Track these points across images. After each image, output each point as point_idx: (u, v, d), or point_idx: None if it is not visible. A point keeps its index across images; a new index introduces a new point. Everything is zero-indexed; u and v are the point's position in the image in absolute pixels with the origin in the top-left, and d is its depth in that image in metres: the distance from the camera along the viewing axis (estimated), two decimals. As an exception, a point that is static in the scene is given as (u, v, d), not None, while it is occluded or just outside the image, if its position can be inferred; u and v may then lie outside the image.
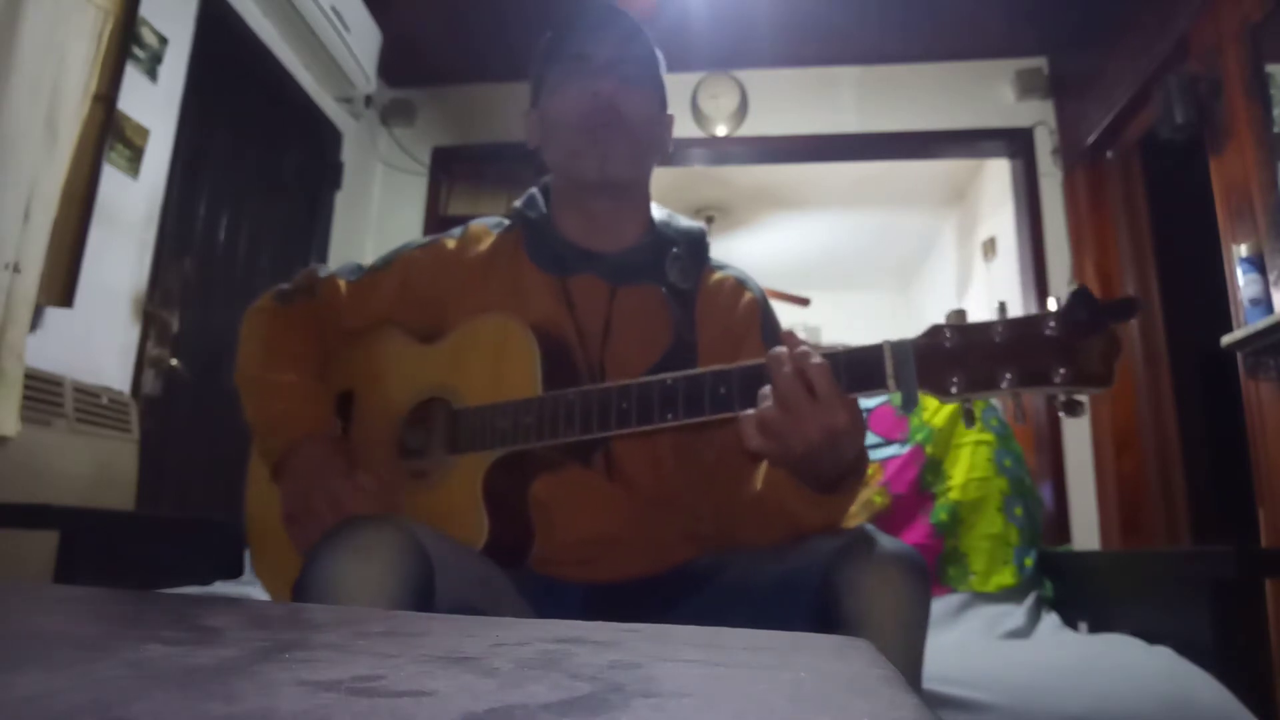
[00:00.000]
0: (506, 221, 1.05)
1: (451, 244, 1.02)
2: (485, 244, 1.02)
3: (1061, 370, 0.62)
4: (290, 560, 0.76)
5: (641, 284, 0.97)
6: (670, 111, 1.03)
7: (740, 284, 1.01)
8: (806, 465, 0.73)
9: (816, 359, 0.69)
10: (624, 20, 0.97)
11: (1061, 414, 0.64)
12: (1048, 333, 0.63)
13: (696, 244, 1.01)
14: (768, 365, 0.71)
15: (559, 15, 0.98)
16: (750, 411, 0.71)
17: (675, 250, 0.99)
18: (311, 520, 0.87)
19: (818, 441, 0.68)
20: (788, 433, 0.68)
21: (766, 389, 0.70)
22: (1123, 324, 0.63)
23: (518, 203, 1.03)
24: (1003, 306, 0.66)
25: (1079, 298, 0.62)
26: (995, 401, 1.70)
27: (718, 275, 1.01)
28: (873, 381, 0.68)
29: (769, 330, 0.98)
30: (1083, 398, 0.64)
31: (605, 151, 0.93)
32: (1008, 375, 0.63)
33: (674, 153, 3.48)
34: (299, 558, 0.70)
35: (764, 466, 0.82)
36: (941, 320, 0.68)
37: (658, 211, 1.04)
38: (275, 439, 0.94)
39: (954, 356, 0.66)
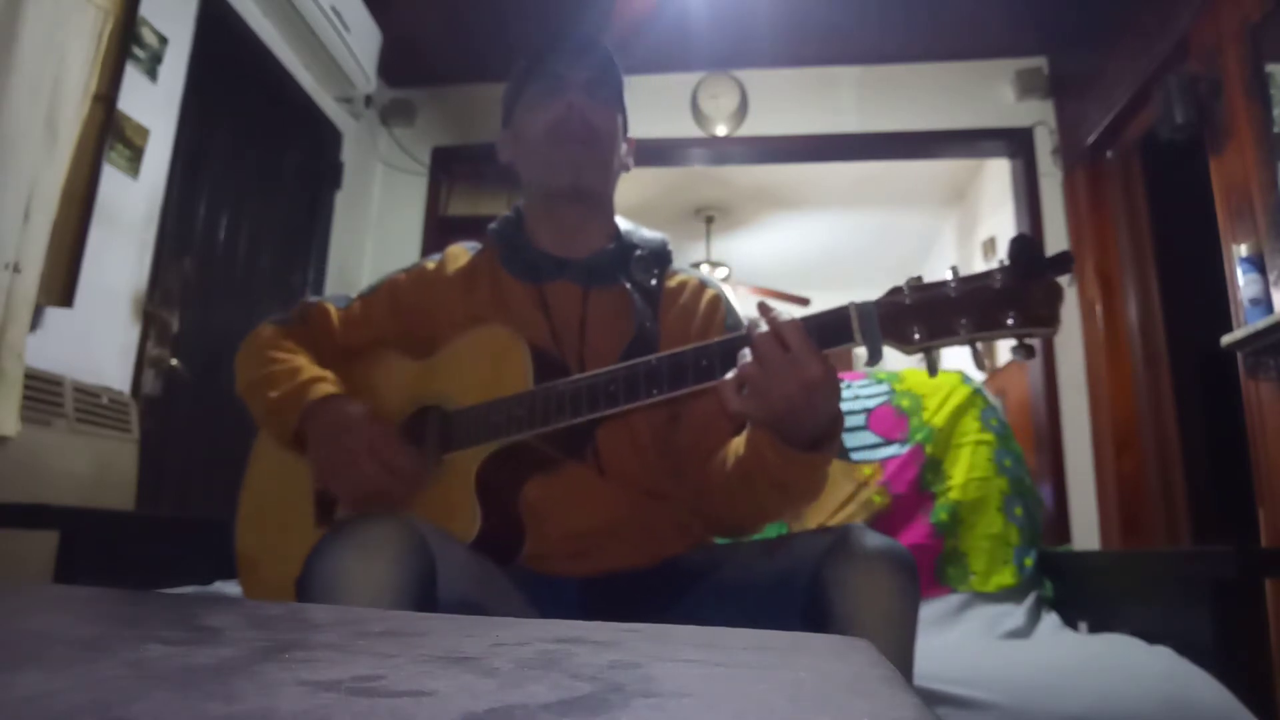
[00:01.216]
0: (480, 245, 1.12)
1: (431, 265, 1.10)
2: (463, 261, 1.09)
3: (1012, 315, 0.68)
4: (283, 585, 0.77)
5: (610, 284, 1.03)
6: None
7: (702, 284, 1.09)
8: (788, 421, 0.76)
9: (787, 317, 0.73)
10: (596, 48, 1.06)
11: (1018, 358, 0.71)
12: (997, 285, 0.69)
13: (658, 250, 1.09)
14: (746, 329, 0.75)
15: (566, 21, 1.03)
16: (730, 374, 0.74)
17: (639, 253, 1.06)
18: (352, 469, 0.87)
19: (795, 394, 0.72)
20: (766, 388, 0.72)
21: (745, 351, 0.74)
22: (1064, 274, 0.68)
23: (493, 225, 1.10)
24: (955, 269, 0.72)
25: (1020, 245, 0.69)
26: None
27: (680, 277, 1.09)
28: (841, 337, 0.74)
29: (732, 319, 1.05)
30: (1034, 341, 0.70)
31: (578, 163, 1.01)
32: (964, 322, 0.69)
33: (674, 152, 3.46)
34: (293, 578, 0.70)
35: (742, 437, 0.86)
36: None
37: (623, 223, 1.11)
38: (294, 406, 0.94)
39: (914, 310, 0.72)
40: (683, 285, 1.07)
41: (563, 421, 0.84)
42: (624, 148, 1.09)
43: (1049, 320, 0.68)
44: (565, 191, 1.02)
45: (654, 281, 1.05)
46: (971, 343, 0.71)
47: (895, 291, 0.73)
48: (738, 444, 0.87)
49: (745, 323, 0.77)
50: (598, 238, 1.07)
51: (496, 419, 0.88)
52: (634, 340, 0.97)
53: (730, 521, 0.94)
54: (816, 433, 0.78)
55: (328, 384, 0.95)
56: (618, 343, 0.97)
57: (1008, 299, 0.68)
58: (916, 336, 0.71)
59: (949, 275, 0.72)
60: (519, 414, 0.86)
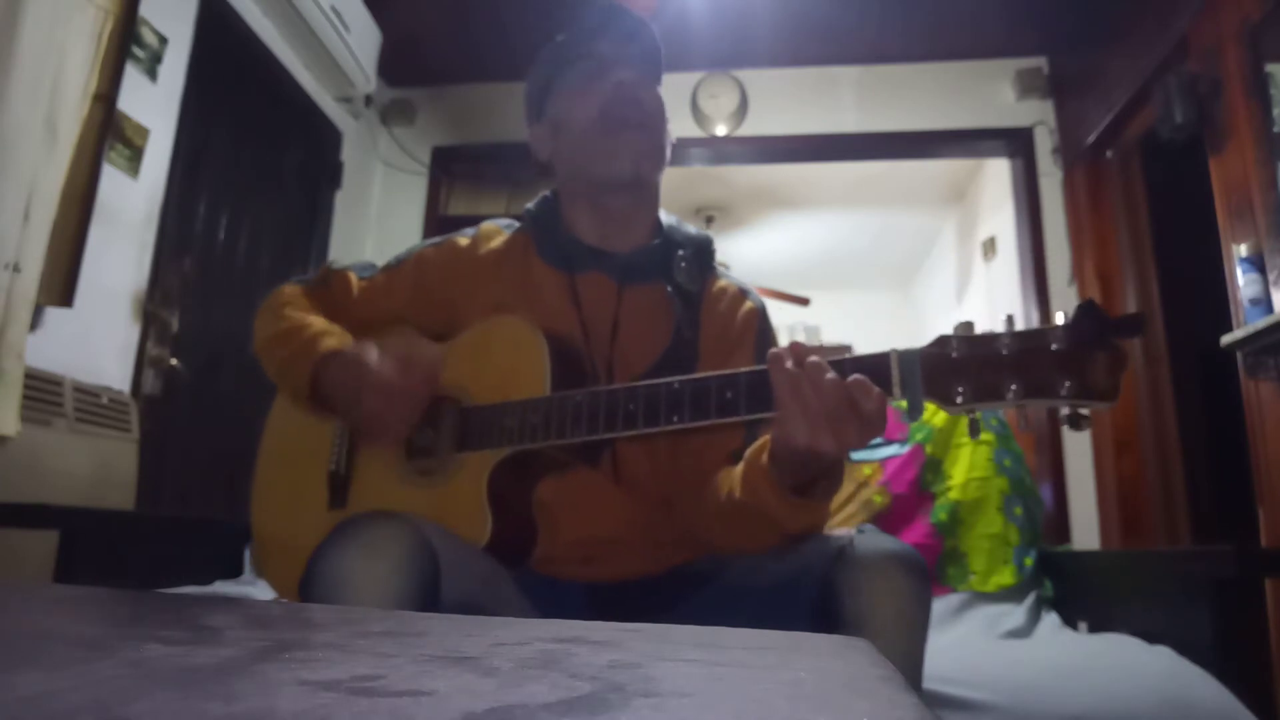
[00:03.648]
0: (517, 223, 1.06)
1: (464, 242, 1.04)
2: (496, 242, 1.03)
3: (1067, 383, 0.62)
4: (296, 563, 0.77)
5: (648, 283, 0.98)
6: (667, 114, 1.05)
7: (742, 293, 1.03)
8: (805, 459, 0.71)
9: (830, 375, 0.67)
10: (634, 20, 0.99)
11: (1066, 427, 0.65)
12: (1054, 346, 0.63)
13: (703, 250, 1.03)
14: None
15: (566, 20, 1.00)
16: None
17: (682, 253, 1.00)
18: (386, 416, 0.86)
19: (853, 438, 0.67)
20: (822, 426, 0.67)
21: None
22: (1133, 338, 0.63)
23: (530, 205, 1.05)
24: (1010, 319, 0.67)
25: (1086, 311, 0.63)
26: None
27: (722, 283, 1.03)
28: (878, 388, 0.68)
29: (763, 339, 1.00)
30: (1087, 411, 0.64)
31: (637, 150, 0.94)
32: (1013, 387, 0.64)
33: (674, 152, 3.49)
34: (308, 551, 0.70)
35: (738, 471, 0.82)
36: (946, 328, 0.69)
37: (666, 216, 1.05)
38: (303, 363, 0.91)
39: (960, 367, 0.66)
40: (723, 292, 1.01)
41: (577, 436, 0.82)
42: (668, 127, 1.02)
43: (1109, 393, 0.62)
44: (625, 181, 0.95)
45: (697, 286, 0.99)
46: (1020, 408, 0.66)
47: (942, 342, 0.67)
48: (733, 479, 0.83)
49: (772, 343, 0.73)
50: (640, 230, 1.01)
51: (511, 424, 0.86)
52: (670, 349, 0.94)
53: (721, 547, 0.91)
54: (817, 472, 0.74)
55: (333, 337, 0.93)
56: (652, 348, 0.94)
57: (1065, 364, 0.62)
58: (960, 398, 0.66)
59: (1002, 327, 0.66)
60: (534, 421, 0.84)
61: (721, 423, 0.75)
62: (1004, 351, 0.65)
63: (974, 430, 0.70)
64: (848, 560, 0.71)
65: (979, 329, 0.67)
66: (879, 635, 0.65)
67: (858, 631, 0.67)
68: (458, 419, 0.92)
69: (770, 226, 4.95)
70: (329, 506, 0.97)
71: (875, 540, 0.74)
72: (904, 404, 0.68)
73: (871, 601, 0.69)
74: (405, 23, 2.86)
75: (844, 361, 0.70)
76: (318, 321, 0.96)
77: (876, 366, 0.69)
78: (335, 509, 0.96)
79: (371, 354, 0.88)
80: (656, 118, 0.97)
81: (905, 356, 0.68)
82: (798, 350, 0.70)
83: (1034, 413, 0.67)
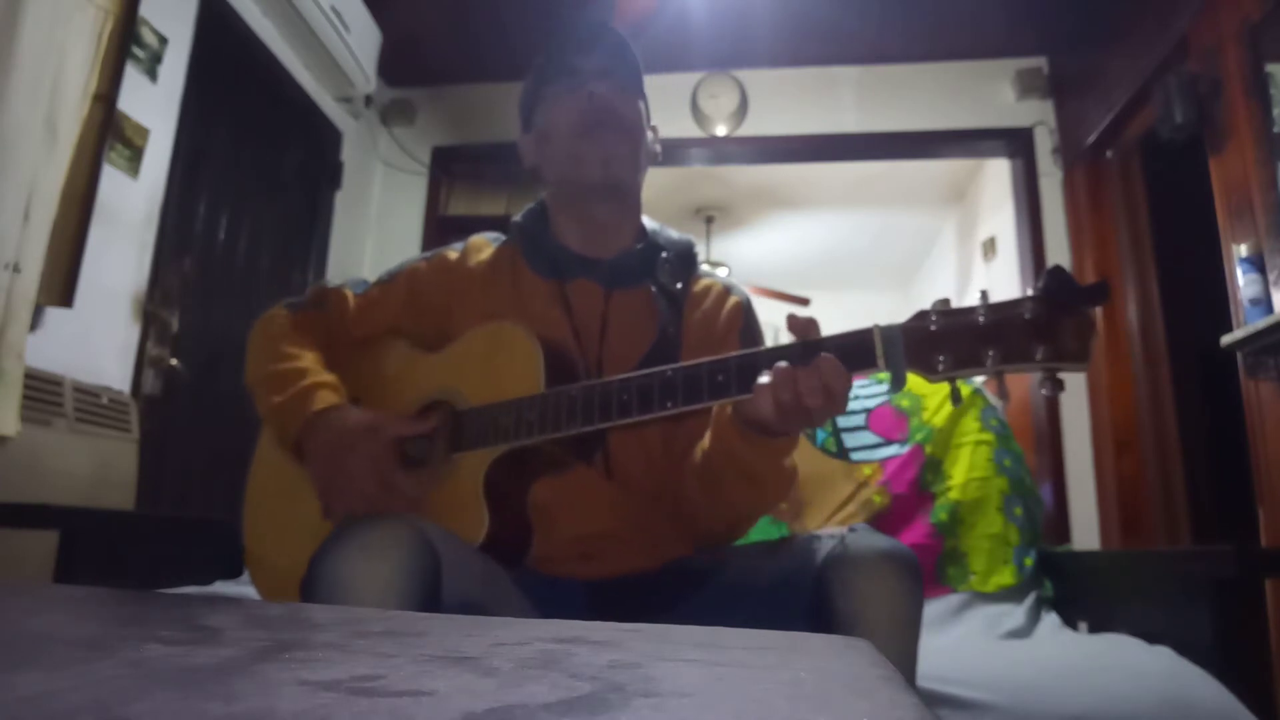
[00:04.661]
0: (504, 237, 1.10)
1: (453, 255, 1.07)
2: (486, 254, 1.06)
3: (1041, 348, 0.66)
4: (290, 580, 0.76)
5: (634, 285, 1.02)
6: (656, 121, 1.09)
7: (727, 289, 1.06)
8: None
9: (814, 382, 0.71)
10: (613, 35, 1.03)
11: (1044, 391, 0.69)
12: (1027, 315, 0.67)
13: (685, 253, 1.07)
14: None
15: (565, 21, 1.03)
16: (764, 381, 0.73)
17: (665, 255, 1.04)
18: (351, 488, 0.86)
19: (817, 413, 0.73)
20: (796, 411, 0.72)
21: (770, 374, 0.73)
22: (1098, 306, 0.67)
23: (517, 217, 1.08)
24: (984, 294, 0.70)
25: (1055, 278, 0.67)
26: (994, 401, 1.71)
27: (706, 281, 1.07)
28: (863, 362, 0.72)
29: (749, 330, 1.03)
30: (1063, 375, 0.68)
31: (607, 152, 0.98)
32: (991, 353, 0.68)
33: (674, 152, 3.49)
34: (299, 569, 0.70)
35: (707, 435, 0.86)
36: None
37: (649, 222, 1.09)
38: (295, 416, 0.92)
39: (940, 338, 0.70)
40: (707, 290, 1.05)
41: (573, 429, 0.83)
42: (649, 135, 1.06)
43: (1080, 355, 0.66)
44: (598, 186, 0.99)
45: (679, 285, 1.03)
46: (998, 374, 0.69)
47: (921, 316, 0.71)
48: (703, 440, 0.87)
49: (764, 333, 0.76)
50: (625, 237, 1.05)
51: (506, 421, 0.87)
52: (655, 345, 0.96)
53: (705, 523, 0.93)
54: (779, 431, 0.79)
55: (330, 392, 0.93)
56: (638, 346, 0.96)
57: (1038, 330, 0.66)
58: (941, 365, 0.69)
59: (977, 300, 0.70)
60: (529, 418, 0.85)
61: (713, 405, 0.78)
62: (980, 321, 0.69)
63: (955, 398, 0.74)
64: (840, 559, 0.72)
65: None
66: (872, 633, 0.66)
67: (851, 630, 0.68)
68: (453, 422, 0.93)
69: (770, 226, 4.95)
70: (323, 517, 0.97)
71: (867, 539, 0.75)
72: (886, 376, 0.72)
73: (864, 600, 0.70)
74: (405, 23, 2.86)
75: (829, 339, 0.73)
76: (313, 367, 0.97)
77: (860, 342, 0.72)
78: (329, 519, 0.96)
79: (359, 432, 0.88)
80: (631, 125, 1.01)
81: (887, 331, 0.72)
82: (795, 324, 0.74)
83: (1011, 379, 0.71)
